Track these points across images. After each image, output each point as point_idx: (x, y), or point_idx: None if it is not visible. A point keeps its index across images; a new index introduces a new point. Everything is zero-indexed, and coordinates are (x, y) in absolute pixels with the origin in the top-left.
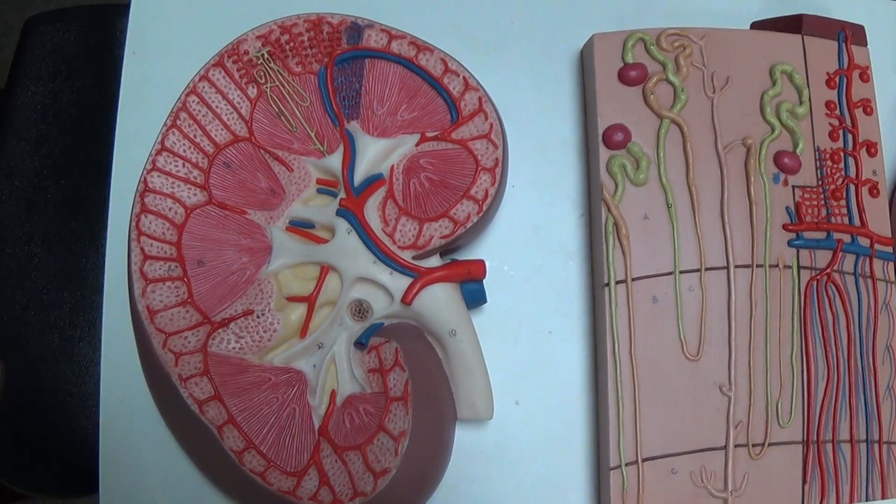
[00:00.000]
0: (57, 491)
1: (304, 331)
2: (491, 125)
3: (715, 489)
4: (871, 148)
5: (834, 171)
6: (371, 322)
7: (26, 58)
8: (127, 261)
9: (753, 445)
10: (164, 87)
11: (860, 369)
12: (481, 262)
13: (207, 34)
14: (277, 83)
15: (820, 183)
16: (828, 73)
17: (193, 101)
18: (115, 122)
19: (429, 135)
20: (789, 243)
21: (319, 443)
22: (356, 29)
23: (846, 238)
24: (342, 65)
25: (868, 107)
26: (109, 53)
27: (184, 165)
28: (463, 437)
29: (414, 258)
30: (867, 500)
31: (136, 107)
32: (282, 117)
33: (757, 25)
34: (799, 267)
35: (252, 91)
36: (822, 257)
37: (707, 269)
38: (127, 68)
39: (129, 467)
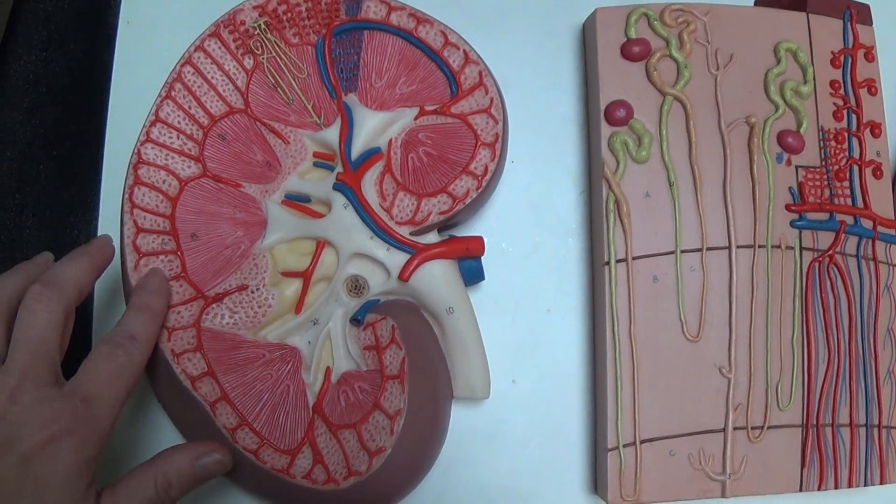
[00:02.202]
0: None
1: (299, 306)
2: (491, 99)
3: (713, 472)
4: (876, 129)
5: (838, 151)
6: (367, 298)
7: (19, 27)
8: (120, 234)
9: (752, 428)
10: (158, 57)
11: (861, 353)
12: (480, 239)
13: (203, 4)
14: (274, 54)
15: (823, 163)
16: (832, 52)
17: (188, 72)
18: (108, 92)
19: (428, 108)
20: (792, 224)
21: (314, 420)
22: (355, 0)
23: (849, 220)
24: (340, 36)
25: (873, 87)
26: (103, 22)
27: (178, 137)
28: (459, 416)
29: (411, 234)
30: (865, 484)
31: (130, 77)
32: (278, 89)
33: (761, 2)
34: (801, 248)
35: (248, 62)
36: (825, 239)
37: (708, 248)
38: (121, 38)
39: (120, 443)
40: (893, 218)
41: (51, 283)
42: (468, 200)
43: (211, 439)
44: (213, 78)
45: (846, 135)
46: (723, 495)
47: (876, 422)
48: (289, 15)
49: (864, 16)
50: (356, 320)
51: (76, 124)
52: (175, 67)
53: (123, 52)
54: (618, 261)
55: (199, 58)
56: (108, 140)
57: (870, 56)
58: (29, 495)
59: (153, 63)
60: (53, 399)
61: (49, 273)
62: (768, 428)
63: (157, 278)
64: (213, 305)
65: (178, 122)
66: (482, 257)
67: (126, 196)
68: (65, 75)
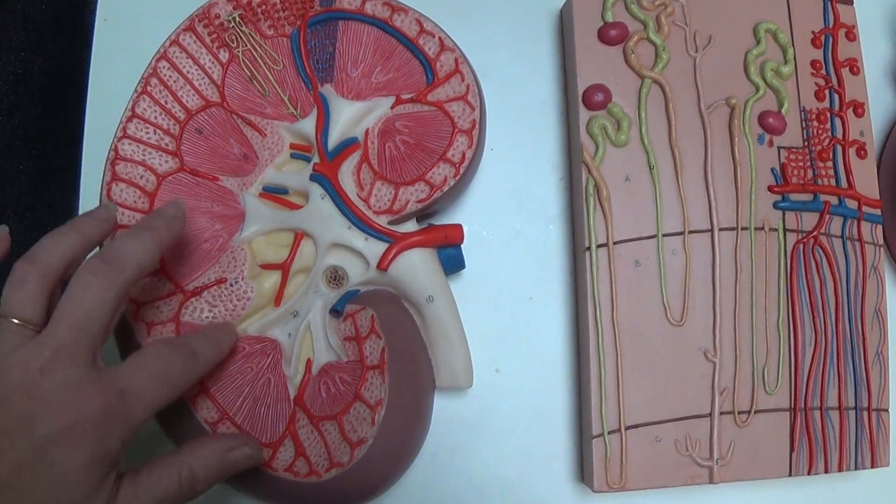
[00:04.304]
0: None
1: (278, 299)
2: (468, 86)
3: (700, 457)
4: (858, 108)
5: (820, 131)
6: (347, 289)
7: None
8: None
9: (739, 413)
10: (135, 53)
11: (848, 334)
12: (459, 227)
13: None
14: (249, 47)
15: (806, 144)
16: (813, 32)
17: (164, 67)
18: (86, 90)
19: (404, 97)
20: (775, 205)
21: (295, 413)
22: None
23: (833, 200)
24: (315, 27)
25: (854, 66)
26: (81, 21)
27: (155, 132)
28: (442, 406)
29: (390, 223)
30: (856, 468)
31: (108, 74)
32: (254, 81)
33: None
34: (785, 230)
35: (224, 55)
36: (809, 220)
37: (691, 231)
38: (98, 36)
39: None
40: (878, 198)
41: (111, 260)
42: (446, 188)
43: (192, 434)
44: (188, 72)
45: (829, 115)
46: (710, 481)
47: (865, 404)
48: (263, 7)
49: None
50: (336, 311)
51: (55, 124)
52: (150, 63)
53: (101, 50)
54: (599, 246)
55: (174, 52)
56: (87, 138)
57: (851, 35)
58: (46, 478)
59: (131, 60)
60: (86, 382)
61: (111, 247)
62: (755, 412)
63: (232, 326)
64: (192, 299)
65: (155, 118)
66: (462, 245)
67: (104, 192)
68: (43, 75)
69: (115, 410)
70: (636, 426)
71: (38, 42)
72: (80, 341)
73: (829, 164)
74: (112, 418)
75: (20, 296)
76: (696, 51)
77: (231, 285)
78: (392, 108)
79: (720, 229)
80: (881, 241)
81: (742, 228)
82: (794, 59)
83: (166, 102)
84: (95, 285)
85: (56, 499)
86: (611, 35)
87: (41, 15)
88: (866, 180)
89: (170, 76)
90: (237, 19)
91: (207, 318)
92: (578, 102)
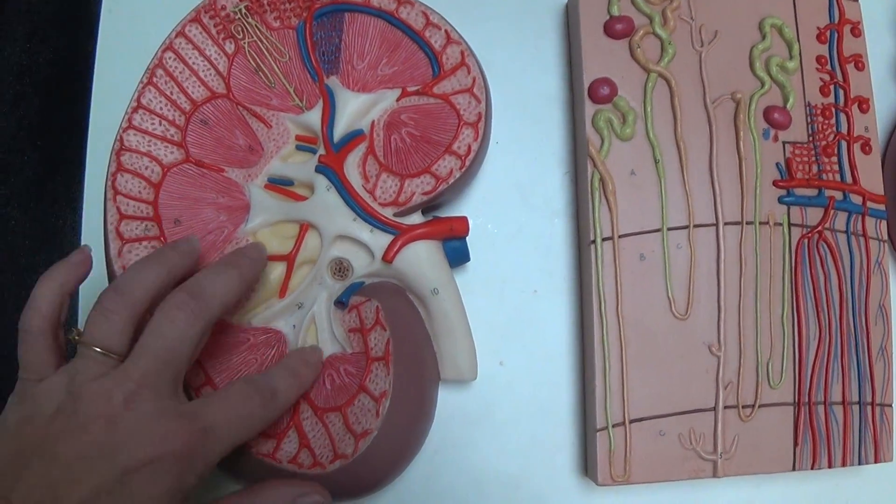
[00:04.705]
0: None
1: (283, 290)
2: (473, 79)
3: (704, 451)
4: (863, 104)
5: (825, 126)
6: (352, 281)
7: (2, 19)
8: (103, 221)
9: (743, 407)
10: (140, 44)
11: (852, 329)
12: (464, 219)
13: None
14: (255, 38)
15: (811, 139)
16: (818, 28)
17: (170, 58)
18: (91, 81)
19: (410, 89)
20: (780, 200)
21: (299, 404)
22: None
23: (838, 195)
24: (321, 19)
25: (860, 62)
26: (86, 11)
27: (160, 123)
28: (446, 399)
29: (395, 215)
30: (860, 463)
31: (113, 65)
32: (260, 73)
33: None
34: (790, 224)
35: (229, 47)
36: (814, 215)
37: (695, 225)
38: (103, 26)
39: None
40: (883, 193)
41: (198, 295)
42: (451, 180)
43: None
44: (194, 63)
45: (833, 110)
46: (714, 475)
47: (869, 399)
48: None
49: None
50: (341, 303)
51: (60, 114)
52: (156, 53)
53: (106, 41)
54: (604, 239)
55: (180, 43)
56: (92, 128)
57: (856, 31)
58: None
59: (136, 51)
60: (170, 416)
61: (197, 282)
62: (759, 406)
63: (318, 355)
64: None
65: (160, 108)
66: (467, 238)
67: (109, 183)
68: (48, 65)
69: (197, 447)
70: (640, 420)
71: (44, 33)
72: (164, 374)
73: (834, 159)
74: (193, 454)
75: (106, 326)
76: (702, 45)
77: None
78: (398, 100)
79: (725, 223)
80: (885, 237)
81: (747, 223)
82: (800, 54)
83: (172, 93)
84: (182, 320)
85: None
86: (617, 29)
87: (47, 6)
88: (871, 176)
89: (175, 67)
90: (243, 11)
91: None
92: (584, 96)
